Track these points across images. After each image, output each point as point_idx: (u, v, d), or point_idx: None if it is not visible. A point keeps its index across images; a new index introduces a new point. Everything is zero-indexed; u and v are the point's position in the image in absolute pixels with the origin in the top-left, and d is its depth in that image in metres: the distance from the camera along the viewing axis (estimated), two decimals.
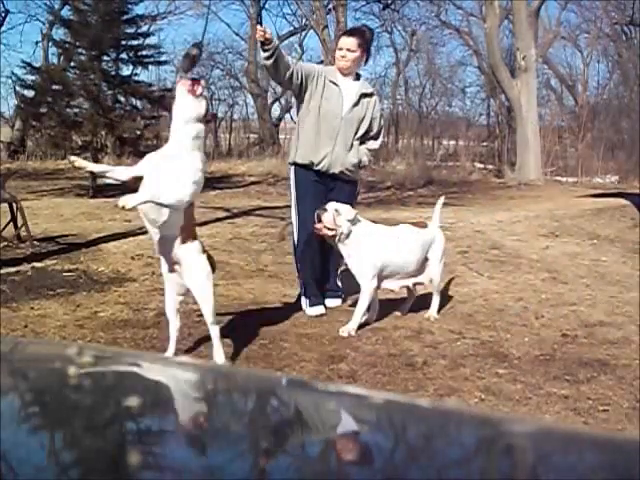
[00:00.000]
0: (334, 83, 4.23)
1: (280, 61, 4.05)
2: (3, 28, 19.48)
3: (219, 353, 3.30)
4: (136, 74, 12.14)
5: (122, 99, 11.64)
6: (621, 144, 19.12)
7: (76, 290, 4.71)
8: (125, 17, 11.76)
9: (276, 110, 22.84)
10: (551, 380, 3.28)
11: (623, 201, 9.23)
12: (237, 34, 23.44)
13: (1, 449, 0.64)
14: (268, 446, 0.74)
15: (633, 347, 3.75)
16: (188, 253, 3.25)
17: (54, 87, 11.61)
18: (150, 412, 0.81)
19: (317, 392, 0.92)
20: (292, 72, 4.13)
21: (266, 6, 21.98)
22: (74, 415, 0.77)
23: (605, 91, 22.60)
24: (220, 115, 22.94)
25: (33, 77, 12.28)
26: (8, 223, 6.07)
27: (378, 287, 4.02)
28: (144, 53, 11.93)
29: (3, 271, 5.06)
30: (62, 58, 14.86)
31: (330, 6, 17.37)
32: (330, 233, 3.88)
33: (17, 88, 14.35)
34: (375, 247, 3.93)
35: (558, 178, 16.37)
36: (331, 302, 4.44)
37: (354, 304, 4.08)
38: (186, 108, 3.12)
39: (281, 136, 21.53)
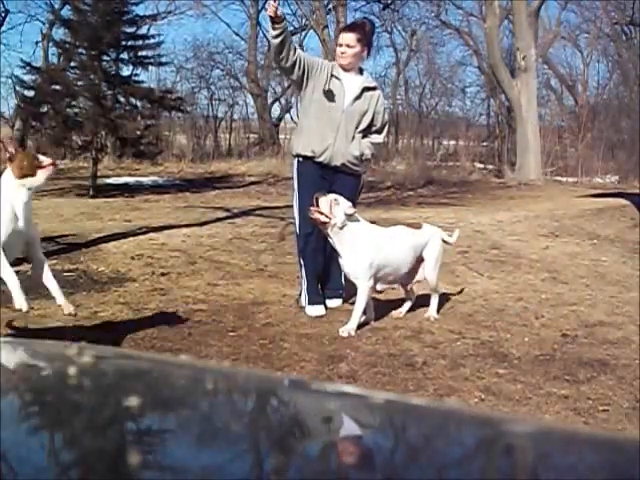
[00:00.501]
0: (336, 77, 4.25)
1: (286, 42, 4.11)
2: (3, 28, 19.46)
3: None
4: (136, 74, 12.15)
5: (122, 99, 11.63)
6: (621, 144, 19.11)
7: (76, 290, 4.71)
8: (125, 17, 11.74)
9: (276, 110, 22.86)
10: (551, 380, 3.28)
11: (623, 201, 9.23)
12: (237, 34, 23.44)
13: (1, 449, 0.64)
14: (268, 446, 0.74)
15: (633, 347, 3.75)
16: None
17: (54, 87, 11.60)
18: (150, 412, 0.81)
19: (317, 392, 0.92)
20: (296, 58, 4.17)
21: (266, 6, 21.99)
22: (74, 415, 0.77)
23: (605, 91, 22.61)
24: (220, 115, 22.99)
25: (33, 77, 12.27)
26: None
27: (373, 287, 4.02)
28: (144, 53, 11.92)
29: None
30: (62, 58, 14.85)
31: (330, 6, 17.38)
32: (322, 219, 3.84)
33: (17, 88, 14.34)
34: (370, 247, 3.92)
35: (558, 178, 16.37)
36: (332, 302, 4.43)
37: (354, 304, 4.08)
38: None
39: (281, 136, 21.53)
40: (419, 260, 4.18)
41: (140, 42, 11.96)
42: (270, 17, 4.05)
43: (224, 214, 8.17)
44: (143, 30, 12.74)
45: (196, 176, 14.75)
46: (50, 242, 6.20)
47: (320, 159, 4.24)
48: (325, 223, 3.85)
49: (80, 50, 11.75)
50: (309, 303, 4.30)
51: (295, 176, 4.36)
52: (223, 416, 0.81)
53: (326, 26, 16.82)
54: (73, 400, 0.82)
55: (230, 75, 23.02)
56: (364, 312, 3.97)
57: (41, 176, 3.13)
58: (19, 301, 3.08)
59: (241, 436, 0.75)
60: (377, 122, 4.37)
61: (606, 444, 0.76)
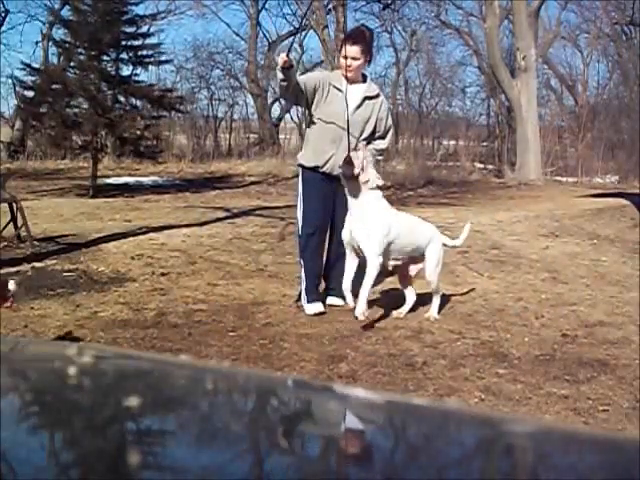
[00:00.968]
0: (338, 89, 4.30)
1: (292, 83, 4.17)
2: (3, 28, 19.46)
3: None
4: (136, 74, 12.15)
5: (122, 99, 11.63)
6: (621, 144, 19.11)
7: (76, 290, 4.71)
8: (125, 17, 11.75)
9: (276, 110, 22.84)
10: (551, 380, 3.28)
11: (623, 201, 9.22)
12: (237, 34, 23.42)
13: (1, 449, 0.64)
14: (268, 446, 0.74)
15: (633, 347, 3.75)
16: None
17: (54, 87, 11.60)
18: (150, 412, 0.81)
19: (317, 392, 0.92)
20: (299, 89, 4.25)
21: (266, 6, 22.02)
22: (74, 415, 0.77)
23: (605, 91, 22.60)
24: (220, 115, 22.99)
25: (33, 77, 12.27)
26: (8, 223, 6.07)
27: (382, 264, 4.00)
28: (144, 53, 11.92)
29: (3, 271, 5.06)
30: (62, 58, 14.85)
31: (330, 6, 17.37)
32: (356, 171, 3.85)
33: (17, 88, 14.35)
34: (386, 223, 3.92)
35: (558, 178, 16.36)
36: (333, 300, 4.44)
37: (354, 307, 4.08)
38: None
39: (281, 136, 21.54)
40: (419, 251, 4.17)
41: (140, 42, 11.97)
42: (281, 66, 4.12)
43: (224, 214, 8.17)
44: (143, 30, 12.75)
45: (196, 176, 14.75)
46: (50, 242, 6.20)
47: (323, 169, 4.32)
48: (357, 176, 3.84)
49: (80, 50, 11.75)
50: (308, 302, 4.32)
51: (300, 182, 4.48)
52: (223, 416, 0.81)
53: (326, 26, 16.81)
54: (73, 400, 0.82)
55: (230, 75, 23.03)
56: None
57: None
58: None
59: (241, 436, 0.75)
60: (380, 128, 4.41)
61: (606, 444, 0.76)
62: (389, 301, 4.42)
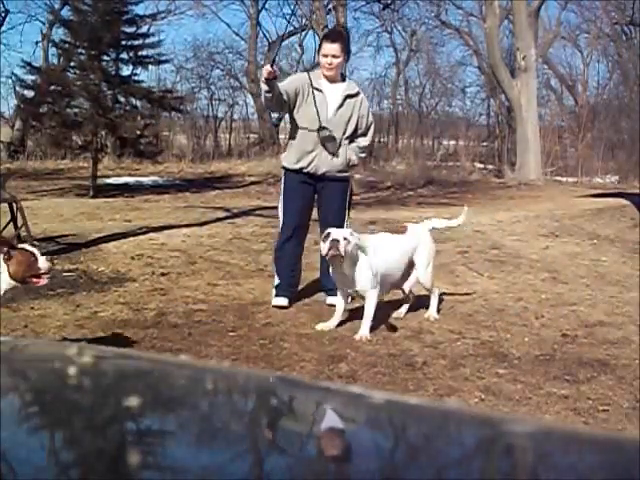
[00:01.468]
0: (318, 89, 4.34)
1: (275, 94, 4.20)
2: (3, 28, 19.46)
3: None
4: (136, 74, 12.15)
5: (122, 99, 11.63)
6: (621, 144, 19.10)
7: (76, 290, 4.71)
8: (125, 17, 11.75)
9: None
10: (551, 380, 3.28)
11: (623, 201, 9.22)
12: (237, 34, 23.40)
13: (1, 449, 0.64)
14: (268, 446, 0.74)
15: (633, 347, 3.75)
16: None
17: (54, 87, 11.61)
18: (150, 412, 0.81)
19: (317, 392, 0.92)
20: (282, 98, 4.27)
21: (266, 6, 22.02)
22: (74, 415, 0.77)
23: (605, 91, 22.60)
24: (220, 115, 22.98)
25: (33, 77, 12.27)
26: (8, 223, 6.06)
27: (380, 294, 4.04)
28: (144, 53, 11.92)
29: None
30: (62, 58, 14.84)
31: (330, 6, 17.37)
32: (338, 257, 3.84)
33: (17, 88, 14.35)
34: (370, 257, 3.94)
35: (558, 178, 16.36)
36: (333, 300, 4.45)
37: (360, 307, 4.08)
38: None
39: (281, 136, 21.42)
40: (411, 263, 4.18)
41: (140, 42, 11.97)
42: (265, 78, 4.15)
43: (224, 214, 8.17)
44: (143, 30, 12.76)
45: (196, 176, 14.75)
46: (50, 242, 6.20)
47: (306, 170, 4.37)
48: (338, 256, 3.84)
49: (80, 50, 11.75)
50: (275, 295, 4.48)
51: (282, 186, 4.56)
52: (223, 416, 0.81)
53: (326, 26, 16.80)
54: (73, 400, 0.82)
55: (230, 75, 23.03)
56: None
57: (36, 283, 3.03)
58: None
59: (241, 436, 0.75)
60: (362, 125, 4.47)
61: (606, 444, 0.76)
62: (388, 301, 4.41)
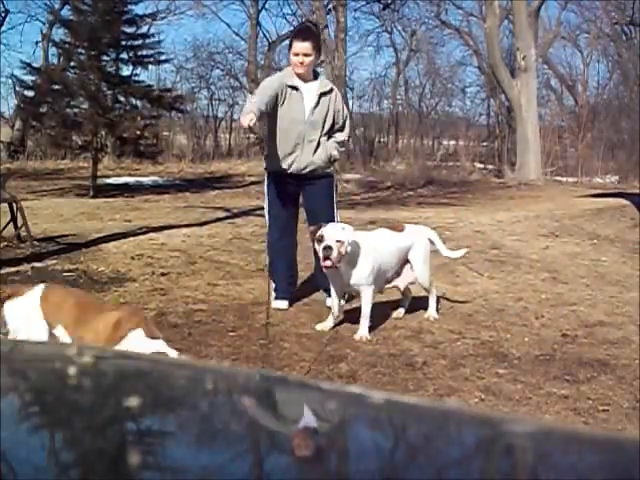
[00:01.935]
0: (294, 88, 4.31)
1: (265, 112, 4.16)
2: (3, 28, 19.50)
3: None
4: (136, 74, 12.16)
5: (122, 99, 11.63)
6: (621, 144, 19.11)
7: None
8: (125, 17, 11.75)
9: None
10: (551, 380, 3.28)
11: (623, 201, 9.22)
12: (237, 34, 23.40)
13: (1, 449, 0.64)
14: (267, 446, 0.74)
15: (633, 347, 3.75)
16: None
17: (54, 87, 11.61)
18: (150, 412, 0.81)
19: (317, 392, 0.92)
20: (269, 110, 4.22)
21: (266, 6, 22.02)
22: (74, 415, 0.77)
23: (605, 91, 22.61)
24: (220, 115, 22.99)
25: (33, 77, 12.27)
26: (8, 223, 6.07)
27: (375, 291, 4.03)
28: (144, 53, 11.92)
29: (3, 271, 5.06)
30: (62, 58, 14.85)
31: (330, 6, 17.37)
32: (335, 264, 3.81)
33: (17, 88, 14.35)
34: (368, 254, 3.92)
35: (558, 178, 16.37)
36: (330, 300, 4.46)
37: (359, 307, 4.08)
38: None
39: None
40: (405, 261, 4.18)
41: (140, 41, 11.97)
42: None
43: (224, 214, 8.17)
44: (143, 30, 12.76)
45: (196, 176, 14.75)
46: (50, 242, 6.20)
47: (290, 171, 4.36)
48: (333, 266, 3.81)
49: (80, 50, 11.76)
50: (275, 298, 4.46)
51: (265, 189, 4.54)
52: (223, 416, 0.81)
53: (326, 26, 16.81)
54: (73, 400, 0.82)
55: (230, 75, 23.03)
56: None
57: None
58: None
59: (241, 436, 0.75)
60: (339, 120, 4.45)
61: (606, 444, 0.76)
62: (388, 301, 4.41)
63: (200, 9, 21.79)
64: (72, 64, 12.44)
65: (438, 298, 4.37)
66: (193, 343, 3.73)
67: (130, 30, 11.87)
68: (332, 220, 4.32)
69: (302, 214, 4.56)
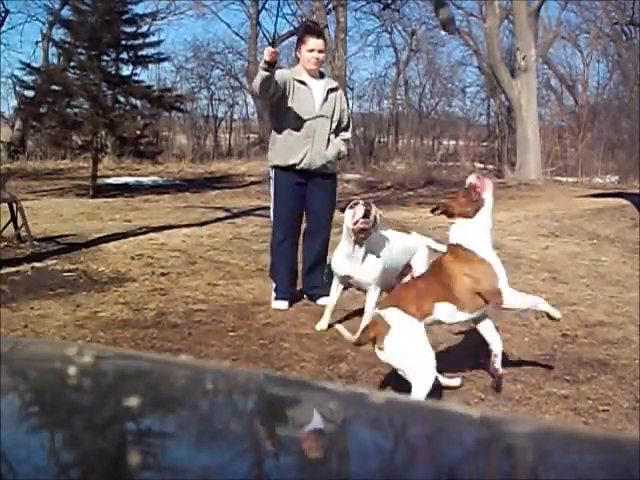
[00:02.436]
0: (303, 83, 4.34)
1: (273, 80, 4.14)
2: (3, 28, 19.50)
3: None
4: (136, 74, 12.16)
5: (122, 99, 11.63)
6: (621, 144, 19.10)
7: (76, 290, 4.71)
8: (125, 17, 11.75)
9: None
10: (551, 380, 3.28)
11: (623, 201, 9.22)
12: (237, 34, 23.40)
13: (1, 449, 0.64)
14: (267, 446, 0.74)
15: (633, 347, 3.75)
16: None
17: (54, 87, 11.61)
18: (150, 412, 0.81)
19: (317, 392, 0.92)
20: (278, 86, 4.22)
21: (266, 6, 22.01)
22: (74, 415, 0.77)
23: (605, 91, 22.60)
24: (220, 115, 22.99)
25: (33, 77, 12.27)
26: (8, 223, 6.06)
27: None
28: (144, 53, 11.93)
29: (3, 271, 5.06)
30: (62, 58, 14.85)
31: (330, 6, 17.37)
32: (368, 227, 3.76)
33: (17, 88, 14.35)
34: (384, 252, 3.91)
35: (558, 178, 16.36)
36: (324, 300, 4.46)
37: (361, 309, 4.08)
38: None
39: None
40: (408, 265, 4.17)
41: (140, 41, 11.97)
42: (266, 61, 4.06)
43: (224, 214, 8.17)
44: (143, 29, 12.76)
45: (196, 176, 14.74)
46: (50, 242, 6.20)
47: (300, 166, 4.35)
48: (367, 230, 3.78)
49: (80, 50, 11.76)
50: (276, 298, 4.45)
51: (272, 185, 4.51)
52: (223, 416, 0.81)
53: (326, 26, 16.81)
54: (73, 400, 0.82)
55: (230, 75, 23.03)
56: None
57: None
58: None
59: (241, 436, 0.75)
60: (344, 119, 4.50)
61: (606, 444, 0.76)
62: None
63: (200, 9, 21.81)
64: (72, 64, 12.44)
65: None
66: (193, 343, 3.73)
67: (130, 30, 11.87)
68: (329, 218, 4.37)
69: None
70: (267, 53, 4.05)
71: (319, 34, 4.41)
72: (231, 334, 3.90)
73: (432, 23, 22.34)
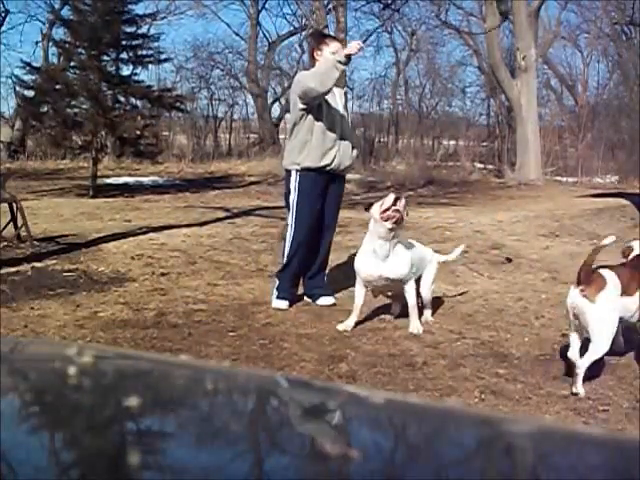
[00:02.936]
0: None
1: None
2: (3, 28, 19.47)
3: None
4: (136, 74, 12.15)
5: (122, 99, 11.62)
6: (621, 144, 19.10)
7: (76, 290, 4.71)
8: (125, 17, 11.74)
9: (276, 110, 22.84)
10: (551, 380, 3.28)
11: (623, 201, 9.22)
12: (237, 34, 23.39)
13: (1, 449, 0.64)
14: (268, 446, 0.74)
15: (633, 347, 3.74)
16: None
17: (54, 87, 11.60)
18: (150, 412, 0.81)
19: (317, 392, 0.92)
20: None
21: (266, 6, 22.02)
22: (74, 415, 0.77)
23: (605, 91, 22.59)
24: (220, 115, 22.99)
25: (33, 77, 12.26)
26: (8, 223, 6.07)
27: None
28: (144, 53, 11.91)
29: (3, 271, 5.06)
30: (62, 58, 14.85)
31: (330, 6, 17.36)
32: (403, 217, 3.77)
33: (17, 88, 14.34)
34: (405, 251, 3.93)
35: (558, 178, 16.36)
36: (324, 300, 4.47)
37: (355, 304, 4.08)
38: None
39: (281, 136, 21.49)
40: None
41: (140, 41, 11.96)
42: (348, 55, 4.15)
43: (224, 214, 8.17)
44: (143, 29, 12.75)
45: (196, 176, 14.75)
46: (50, 242, 6.20)
47: (331, 167, 4.36)
48: (397, 219, 3.76)
49: (80, 50, 11.75)
50: (277, 297, 4.45)
51: (295, 189, 4.37)
52: (223, 416, 0.81)
53: (326, 26, 16.80)
54: (73, 400, 0.82)
55: (230, 75, 23.03)
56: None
57: None
58: None
59: (241, 436, 0.75)
60: (349, 121, 4.65)
61: (606, 444, 0.76)
62: (387, 302, 4.41)
63: (200, 9, 21.81)
64: (72, 64, 12.42)
65: (440, 299, 4.38)
66: (193, 343, 3.73)
67: (130, 30, 11.86)
68: (336, 220, 4.45)
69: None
70: (356, 47, 4.13)
71: (335, 38, 4.58)
72: (231, 334, 3.90)
73: (432, 23, 22.38)
